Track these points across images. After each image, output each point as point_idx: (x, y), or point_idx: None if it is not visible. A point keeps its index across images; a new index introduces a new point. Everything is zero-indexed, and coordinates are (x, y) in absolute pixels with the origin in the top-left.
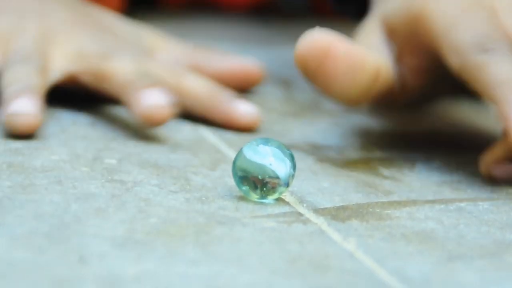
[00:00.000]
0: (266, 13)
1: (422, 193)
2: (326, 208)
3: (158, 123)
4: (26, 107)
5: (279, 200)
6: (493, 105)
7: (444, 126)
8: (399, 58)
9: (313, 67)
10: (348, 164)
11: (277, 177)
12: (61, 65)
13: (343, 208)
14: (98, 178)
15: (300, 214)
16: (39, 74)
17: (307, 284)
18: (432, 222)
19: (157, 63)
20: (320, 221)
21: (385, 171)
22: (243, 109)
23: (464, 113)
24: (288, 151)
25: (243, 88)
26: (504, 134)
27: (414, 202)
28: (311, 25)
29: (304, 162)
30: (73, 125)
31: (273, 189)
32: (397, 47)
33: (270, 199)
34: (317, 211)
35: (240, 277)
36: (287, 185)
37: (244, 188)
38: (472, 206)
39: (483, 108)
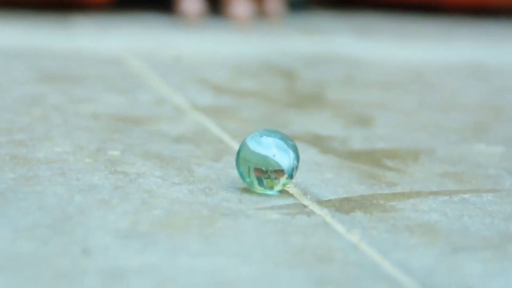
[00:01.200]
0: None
1: (425, 184)
2: (330, 200)
3: None
4: None
5: (283, 191)
6: None
7: (447, 118)
8: None
9: None
10: (352, 155)
11: (281, 169)
12: None
13: (347, 199)
14: (101, 169)
15: (304, 206)
16: None
17: (311, 276)
18: (436, 213)
19: None
20: (324, 213)
21: (389, 163)
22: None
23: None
24: (291, 142)
25: None
26: None
27: (417, 194)
28: (316, 17)
29: (307, 153)
30: (76, 116)
31: (277, 180)
32: None
33: (274, 190)
34: (321, 203)
35: (244, 269)
36: (291, 176)
37: (247, 179)
38: (476, 197)
39: None
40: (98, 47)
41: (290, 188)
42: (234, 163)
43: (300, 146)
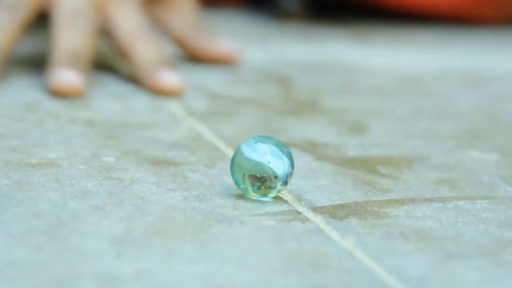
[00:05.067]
0: (265, 11)
1: (420, 191)
2: (324, 206)
3: None
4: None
5: (277, 198)
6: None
7: (443, 125)
8: None
9: None
10: (346, 162)
11: (275, 175)
12: None
13: (341, 206)
14: (95, 176)
15: (298, 212)
16: None
17: (305, 282)
18: (430, 220)
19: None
20: (318, 219)
21: (383, 169)
22: (167, 77)
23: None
24: (286, 149)
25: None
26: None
27: (412, 200)
28: (311, 23)
29: (302, 160)
30: (71, 122)
31: (271, 187)
32: None
33: (269, 197)
34: (315, 209)
35: (239, 276)
36: (285, 183)
37: (242, 186)
38: (470, 204)
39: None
40: None
41: (285, 195)
42: (228, 170)
43: (294, 152)
